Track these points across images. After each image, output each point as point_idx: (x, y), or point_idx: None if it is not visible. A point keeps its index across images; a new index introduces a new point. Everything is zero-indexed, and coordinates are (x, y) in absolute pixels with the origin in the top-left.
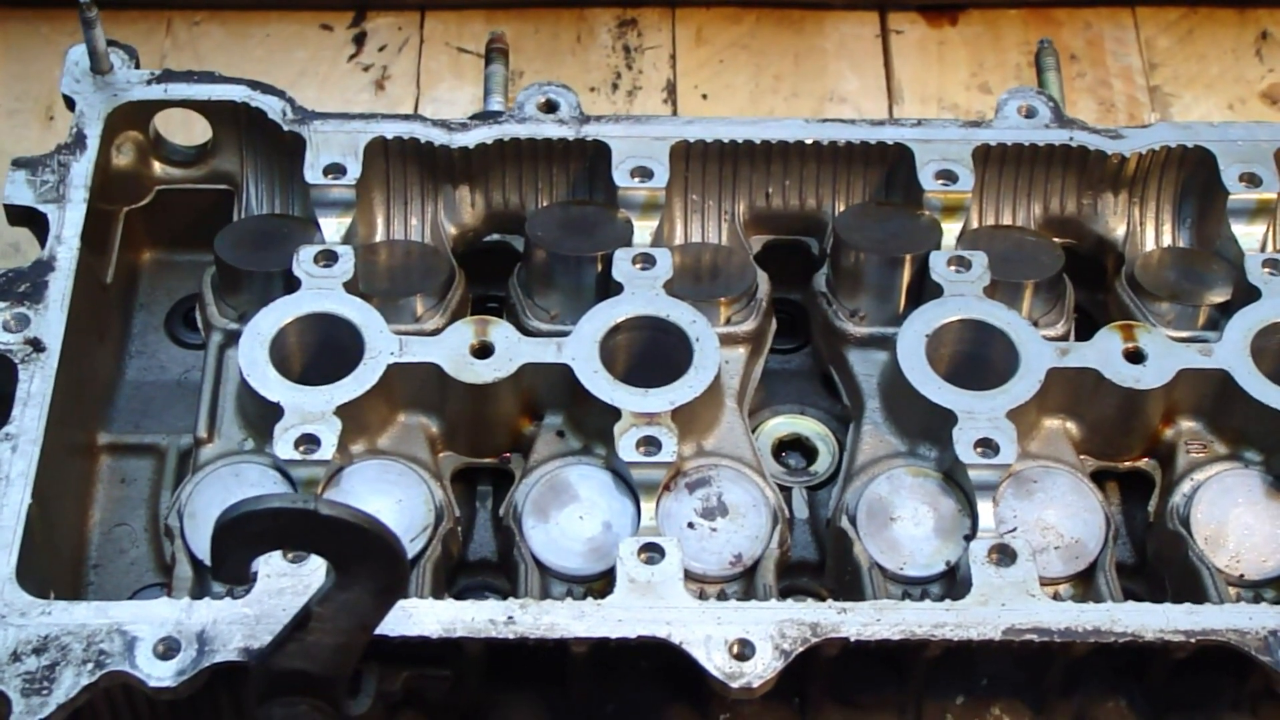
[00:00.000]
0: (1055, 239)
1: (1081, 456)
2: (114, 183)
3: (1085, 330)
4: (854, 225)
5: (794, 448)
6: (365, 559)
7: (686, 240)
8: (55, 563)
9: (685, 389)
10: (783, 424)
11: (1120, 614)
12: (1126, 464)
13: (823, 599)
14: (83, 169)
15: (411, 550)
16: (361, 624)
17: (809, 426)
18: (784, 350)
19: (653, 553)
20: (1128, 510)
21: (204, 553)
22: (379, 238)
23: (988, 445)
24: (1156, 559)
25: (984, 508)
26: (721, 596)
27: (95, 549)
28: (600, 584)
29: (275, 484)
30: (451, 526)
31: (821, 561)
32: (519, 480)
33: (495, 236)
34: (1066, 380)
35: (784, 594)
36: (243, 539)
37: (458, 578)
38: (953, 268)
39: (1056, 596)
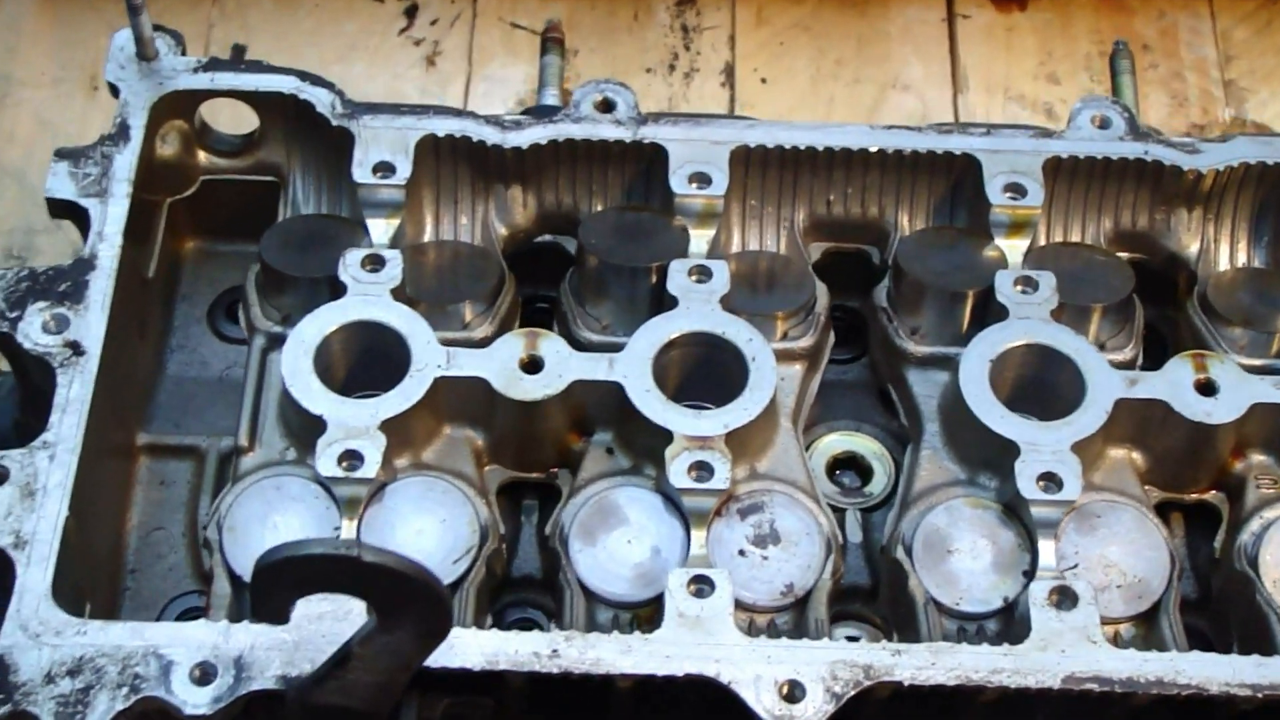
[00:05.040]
0: (1125, 254)
1: (1146, 487)
2: (158, 173)
3: (1153, 348)
4: (916, 254)
5: (849, 466)
6: (409, 604)
7: (744, 247)
8: (92, 568)
9: (740, 412)
10: (838, 441)
11: (1184, 664)
12: (1193, 496)
13: (875, 626)
14: (126, 161)
15: (455, 573)
16: (403, 665)
17: (865, 445)
18: (841, 360)
19: (702, 584)
20: (1192, 543)
21: (243, 569)
22: (428, 237)
23: (1051, 480)
24: (1222, 598)
25: (1045, 545)
26: (771, 627)
27: (133, 554)
28: (647, 610)
29: (317, 498)
30: (496, 547)
31: (875, 587)
32: (566, 499)
33: (547, 237)
34: (1134, 411)
35: (835, 619)
36: (283, 583)
37: (501, 594)
38: (1019, 288)
39: (1117, 637)
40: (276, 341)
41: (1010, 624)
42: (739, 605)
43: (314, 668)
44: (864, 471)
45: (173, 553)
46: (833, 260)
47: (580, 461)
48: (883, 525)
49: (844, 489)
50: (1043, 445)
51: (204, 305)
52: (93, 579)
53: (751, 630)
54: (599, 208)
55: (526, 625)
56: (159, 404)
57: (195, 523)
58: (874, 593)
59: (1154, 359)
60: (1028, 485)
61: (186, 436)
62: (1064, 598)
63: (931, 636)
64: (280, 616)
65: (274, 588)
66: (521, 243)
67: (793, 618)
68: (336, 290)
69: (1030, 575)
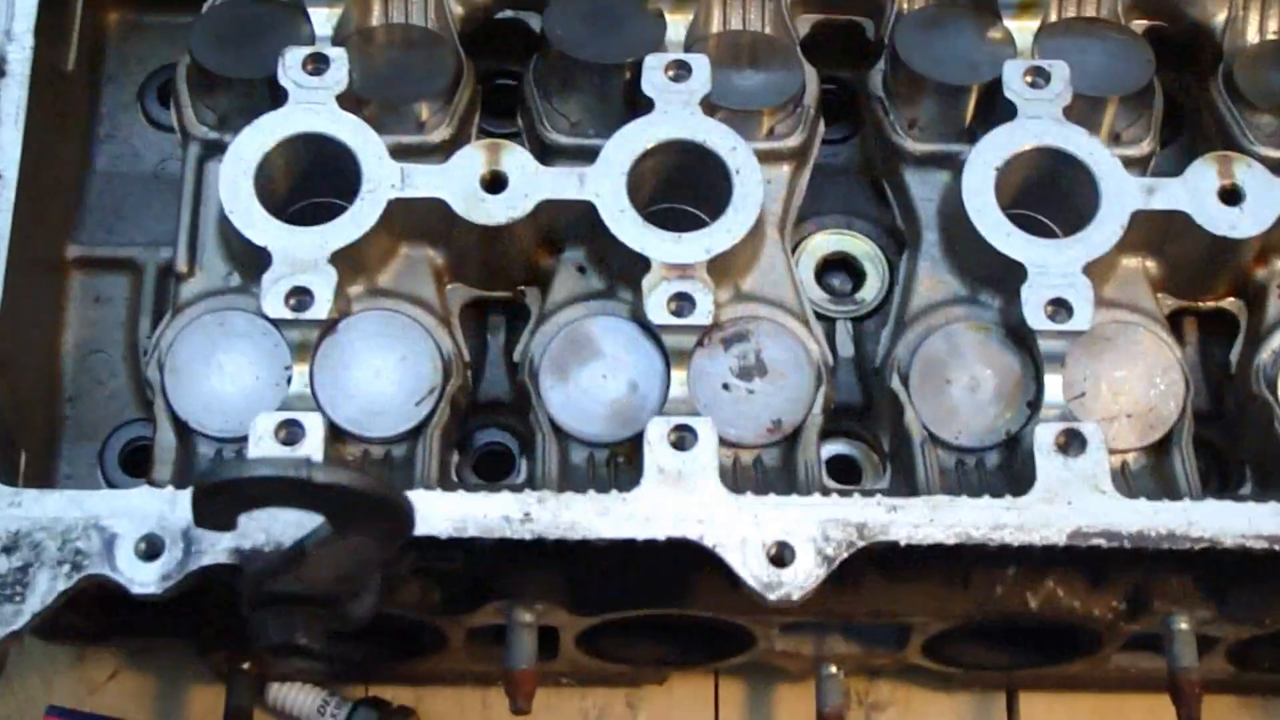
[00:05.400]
0: (1143, 22)
1: (1160, 295)
2: None
3: (1171, 120)
4: (915, 39)
5: (840, 268)
6: (367, 517)
7: (725, 25)
8: (26, 400)
9: (723, 235)
10: (827, 241)
11: (1198, 515)
12: (1210, 304)
13: (866, 443)
14: None
15: (417, 416)
16: (362, 562)
17: (856, 245)
18: (831, 141)
19: (684, 433)
20: (1206, 351)
21: (188, 414)
22: (376, 18)
23: (1060, 306)
24: (1237, 419)
25: (1052, 380)
26: (758, 464)
27: (70, 380)
28: (626, 447)
29: (264, 334)
30: (461, 381)
31: (866, 404)
32: (535, 324)
33: (508, 13)
34: (1152, 221)
35: (825, 436)
36: (226, 502)
37: (468, 420)
38: (1029, 81)
39: (1125, 469)
40: (213, 149)
41: (1012, 459)
42: (723, 442)
43: (267, 540)
44: (856, 274)
45: (113, 378)
46: (822, 32)
47: (550, 280)
48: (875, 336)
49: (834, 294)
50: (1052, 267)
51: (133, 88)
52: (27, 413)
53: (736, 469)
54: None
55: (496, 451)
56: (89, 207)
57: (136, 344)
58: (865, 410)
59: (1171, 130)
60: (1035, 314)
61: (121, 248)
62: (1071, 441)
63: (928, 473)
64: (225, 528)
65: (217, 506)
66: (480, 21)
67: (780, 454)
68: (276, 90)
69: (1035, 407)
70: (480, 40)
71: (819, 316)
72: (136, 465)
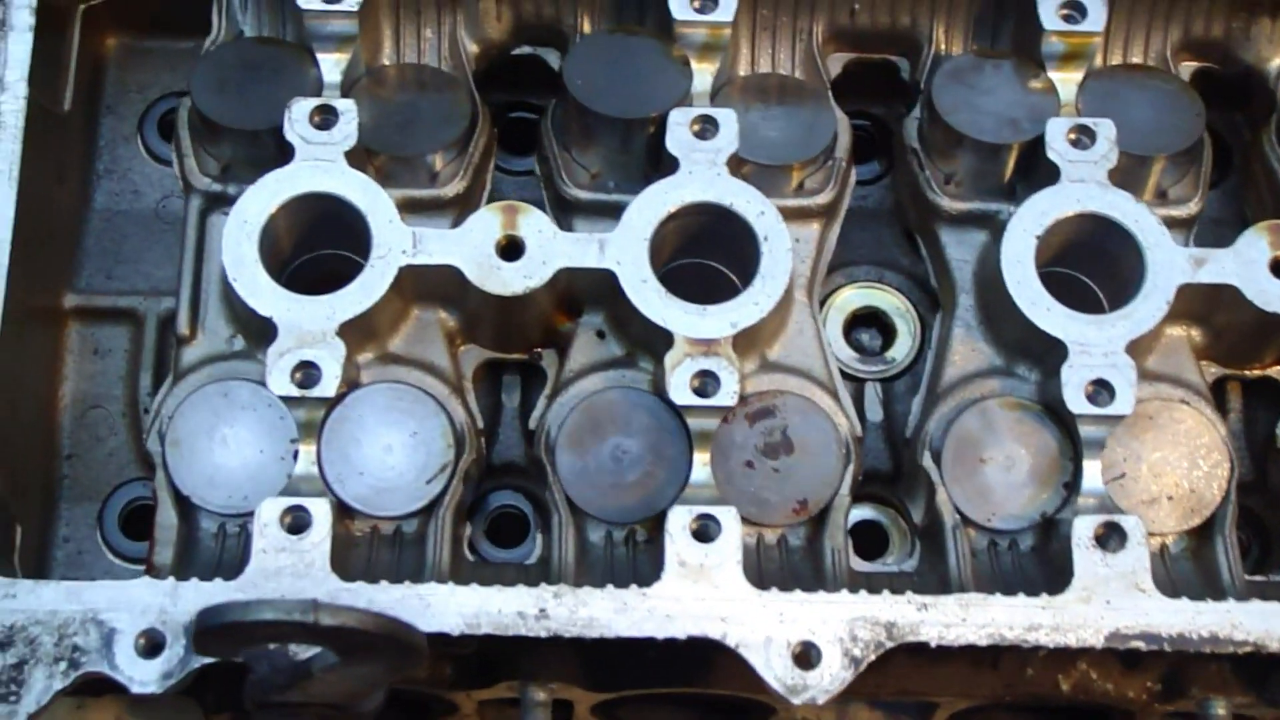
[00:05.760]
0: (1194, 64)
1: (1203, 362)
2: None
3: (1218, 158)
4: (953, 92)
5: (869, 323)
6: (375, 652)
7: (754, 66)
8: (21, 461)
9: (750, 307)
10: (857, 296)
11: (1241, 616)
12: (1255, 372)
13: (894, 508)
14: None
15: (429, 494)
16: (371, 683)
17: (887, 301)
18: (862, 182)
19: (707, 522)
20: (1250, 418)
21: (191, 490)
22: (387, 56)
23: (1102, 388)
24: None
25: (1091, 466)
26: (782, 544)
27: (68, 437)
28: (646, 525)
29: (270, 406)
30: (475, 456)
31: (896, 470)
32: (553, 391)
33: (526, 49)
34: (1199, 293)
35: (852, 501)
36: (230, 640)
37: (481, 483)
38: (1072, 138)
39: (1164, 550)
40: (216, 201)
41: (1047, 543)
42: (746, 521)
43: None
44: (886, 329)
45: (113, 435)
46: (855, 70)
47: (568, 344)
48: (905, 399)
49: (863, 352)
50: (1093, 345)
51: (133, 119)
52: (22, 478)
53: (760, 549)
54: (584, 18)
55: (510, 514)
56: (87, 250)
57: (136, 400)
58: (896, 475)
59: (1219, 170)
60: (1075, 395)
61: (121, 297)
62: (1110, 534)
63: (959, 559)
64: (229, 659)
65: (220, 643)
66: (496, 58)
67: (806, 533)
68: (282, 139)
69: (1072, 489)
70: (496, 72)
71: (847, 377)
72: (137, 527)
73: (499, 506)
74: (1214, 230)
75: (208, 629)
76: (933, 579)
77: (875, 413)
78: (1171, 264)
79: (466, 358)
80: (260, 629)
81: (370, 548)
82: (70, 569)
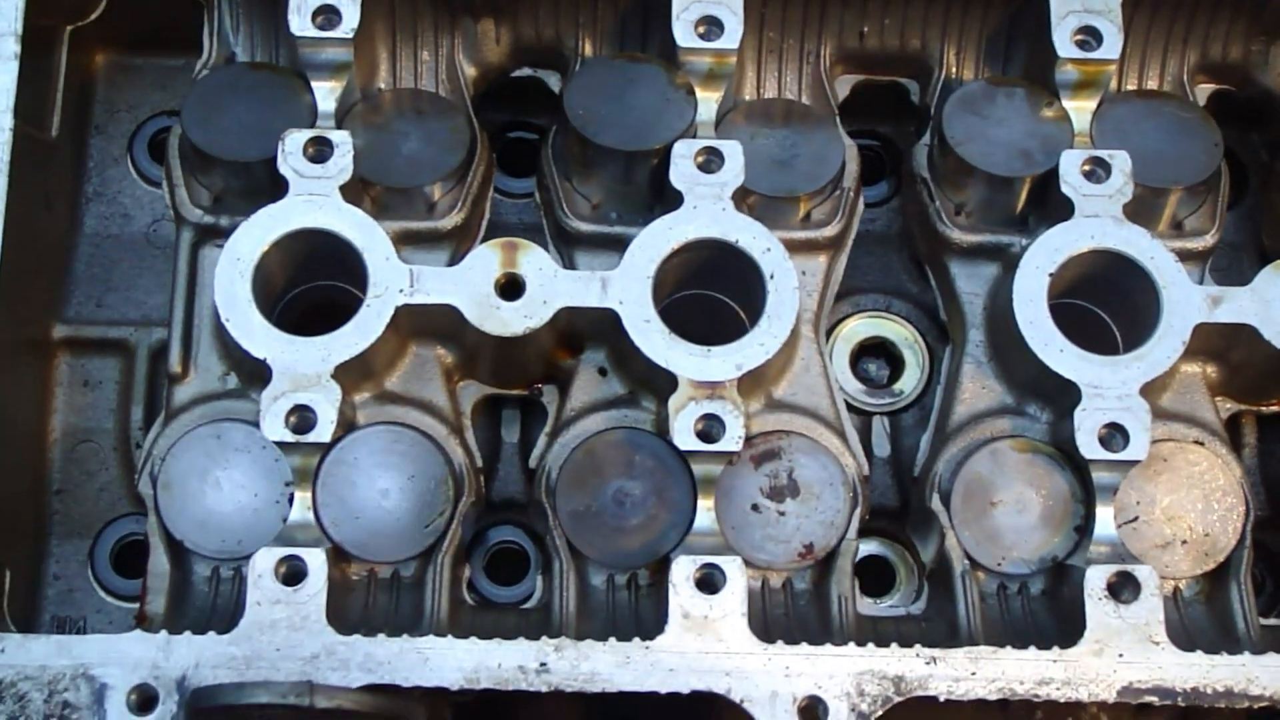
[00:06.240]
0: (1210, 86)
1: (1218, 398)
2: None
3: (1235, 179)
4: (964, 123)
5: (877, 354)
6: None
7: (759, 89)
8: (9, 502)
9: (756, 348)
10: (864, 326)
11: (1258, 670)
12: (1272, 407)
13: (900, 543)
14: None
15: (427, 540)
16: None
17: (895, 331)
18: (869, 204)
19: (711, 571)
20: (1265, 451)
21: (184, 533)
22: (383, 79)
23: (1115, 431)
24: None
25: (1103, 513)
26: (788, 589)
27: (58, 472)
28: (648, 568)
29: (264, 449)
30: (474, 498)
31: (903, 506)
32: (554, 430)
33: (526, 71)
34: (1216, 331)
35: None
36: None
37: (480, 518)
38: (1087, 170)
39: (1177, 594)
40: (208, 234)
41: (1058, 587)
42: (751, 565)
43: (269, 694)
44: (894, 360)
45: (103, 469)
46: (864, 92)
47: (569, 381)
48: (913, 432)
49: (870, 384)
50: (1107, 388)
51: (122, 140)
52: (11, 516)
53: (765, 594)
54: (585, 41)
55: (510, 550)
56: (77, 277)
57: (128, 434)
58: (903, 511)
59: (1235, 191)
60: (1088, 440)
61: (112, 328)
62: (1124, 584)
63: (969, 606)
64: None
65: None
66: (495, 80)
67: (812, 577)
68: (276, 177)
69: (1083, 532)
70: (495, 91)
71: (854, 410)
72: (129, 563)
73: (498, 542)
74: (1229, 254)
75: (201, 710)
76: (941, 625)
77: (882, 447)
78: (1188, 303)
79: (465, 394)
80: (255, 711)
81: (368, 592)
82: (62, 607)
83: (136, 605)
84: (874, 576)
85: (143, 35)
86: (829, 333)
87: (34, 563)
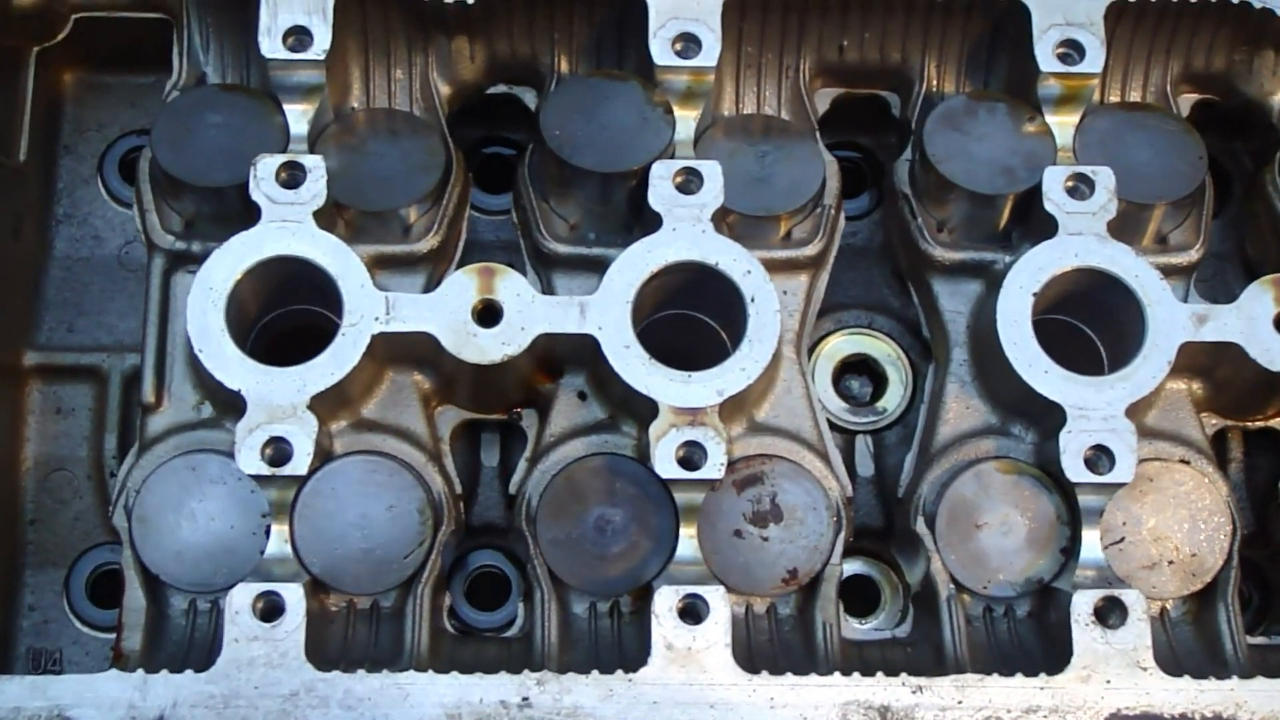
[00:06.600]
0: (1194, 95)
1: (1204, 414)
2: (16, 19)
3: (1219, 187)
4: (945, 139)
5: (859, 370)
6: None
7: (738, 105)
8: None
9: (737, 373)
10: (846, 344)
11: (1246, 694)
12: (1257, 423)
13: (885, 562)
14: None
15: (405, 570)
16: None
17: (877, 348)
18: (850, 217)
19: (694, 602)
20: (1251, 465)
21: (160, 567)
22: (356, 98)
23: (1101, 453)
24: None
25: (1089, 536)
26: (771, 614)
27: (30, 501)
28: (630, 595)
29: (240, 480)
30: (454, 526)
31: (887, 526)
32: (534, 457)
33: (501, 88)
34: (1201, 349)
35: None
36: None
37: (460, 543)
38: (1070, 186)
39: (1164, 615)
40: (180, 260)
41: (1044, 610)
42: (734, 591)
43: None
44: (876, 377)
45: (77, 498)
46: (844, 104)
47: (549, 406)
48: (897, 451)
49: (853, 401)
50: (1092, 410)
51: (92, 160)
52: None
53: (749, 619)
54: (561, 58)
55: (490, 574)
56: (48, 302)
57: (101, 462)
58: (888, 530)
59: (1219, 199)
60: (1073, 463)
61: (84, 355)
62: (1110, 609)
63: (954, 630)
64: None
65: None
66: (470, 97)
67: (796, 603)
68: (248, 202)
69: (1069, 554)
70: (470, 107)
71: (836, 429)
72: (105, 592)
73: (479, 567)
74: (1213, 264)
75: None
76: (927, 649)
77: (866, 467)
78: (1173, 323)
79: (443, 419)
80: None
81: (347, 624)
82: (37, 639)
83: (113, 636)
84: (859, 596)
85: (111, 54)
86: (810, 350)
87: (8, 594)
